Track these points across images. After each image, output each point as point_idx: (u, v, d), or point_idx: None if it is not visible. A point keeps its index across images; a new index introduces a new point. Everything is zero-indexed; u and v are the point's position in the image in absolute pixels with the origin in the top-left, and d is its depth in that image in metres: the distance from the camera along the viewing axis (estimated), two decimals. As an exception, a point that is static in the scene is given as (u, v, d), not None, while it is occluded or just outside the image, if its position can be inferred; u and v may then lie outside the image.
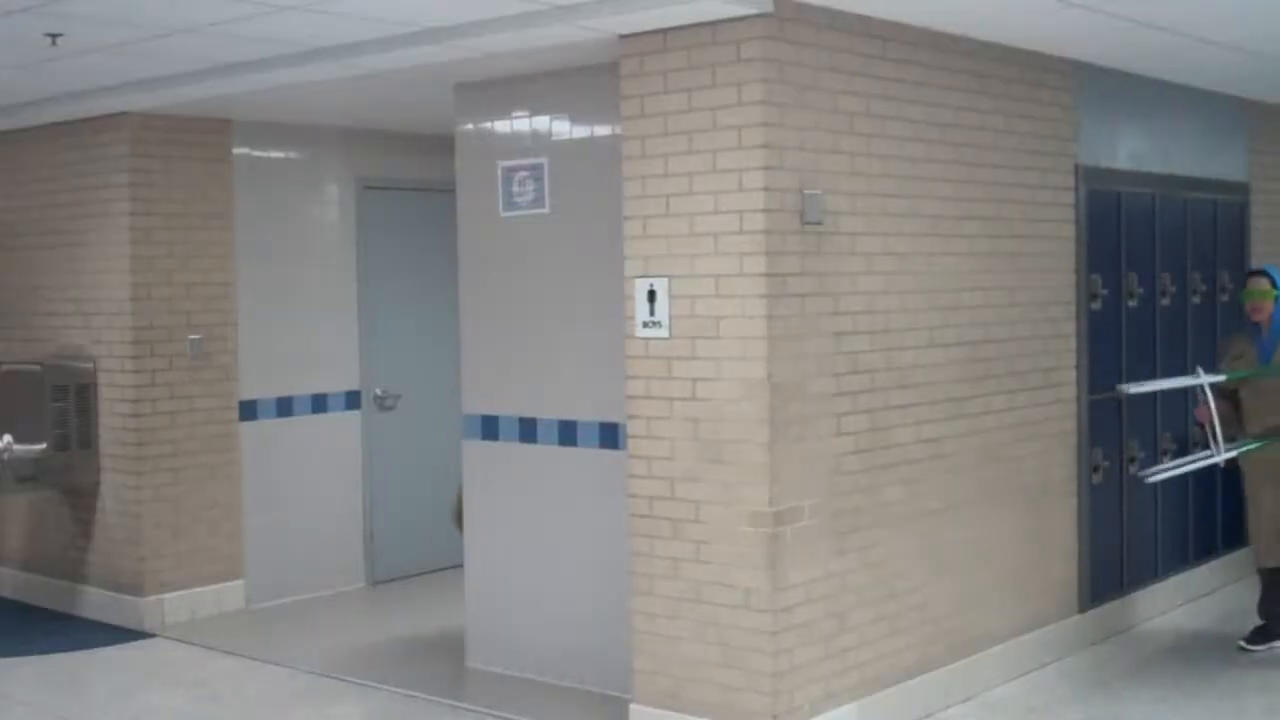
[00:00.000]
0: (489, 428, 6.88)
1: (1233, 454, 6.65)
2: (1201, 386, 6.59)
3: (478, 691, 6.66)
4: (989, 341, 6.51)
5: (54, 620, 8.11)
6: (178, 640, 7.65)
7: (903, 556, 6.04)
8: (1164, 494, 7.84)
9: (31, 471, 7.86)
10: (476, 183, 6.87)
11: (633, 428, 5.82)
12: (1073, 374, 7.08)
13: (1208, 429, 6.56)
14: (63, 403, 7.93)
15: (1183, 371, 8.03)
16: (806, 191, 5.50)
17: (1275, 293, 7.00)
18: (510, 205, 6.73)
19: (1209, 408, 6.50)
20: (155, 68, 6.73)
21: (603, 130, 6.40)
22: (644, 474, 5.77)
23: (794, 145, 5.47)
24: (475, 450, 6.95)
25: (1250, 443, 6.79)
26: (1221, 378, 6.75)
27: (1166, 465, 6.96)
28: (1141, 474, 6.97)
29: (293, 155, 8.61)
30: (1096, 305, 7.26)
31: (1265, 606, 7.10)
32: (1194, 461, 6.70)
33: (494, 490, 6.89)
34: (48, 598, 8.40)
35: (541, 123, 6.65)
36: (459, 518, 7.10)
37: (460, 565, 7.18)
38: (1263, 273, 7.13)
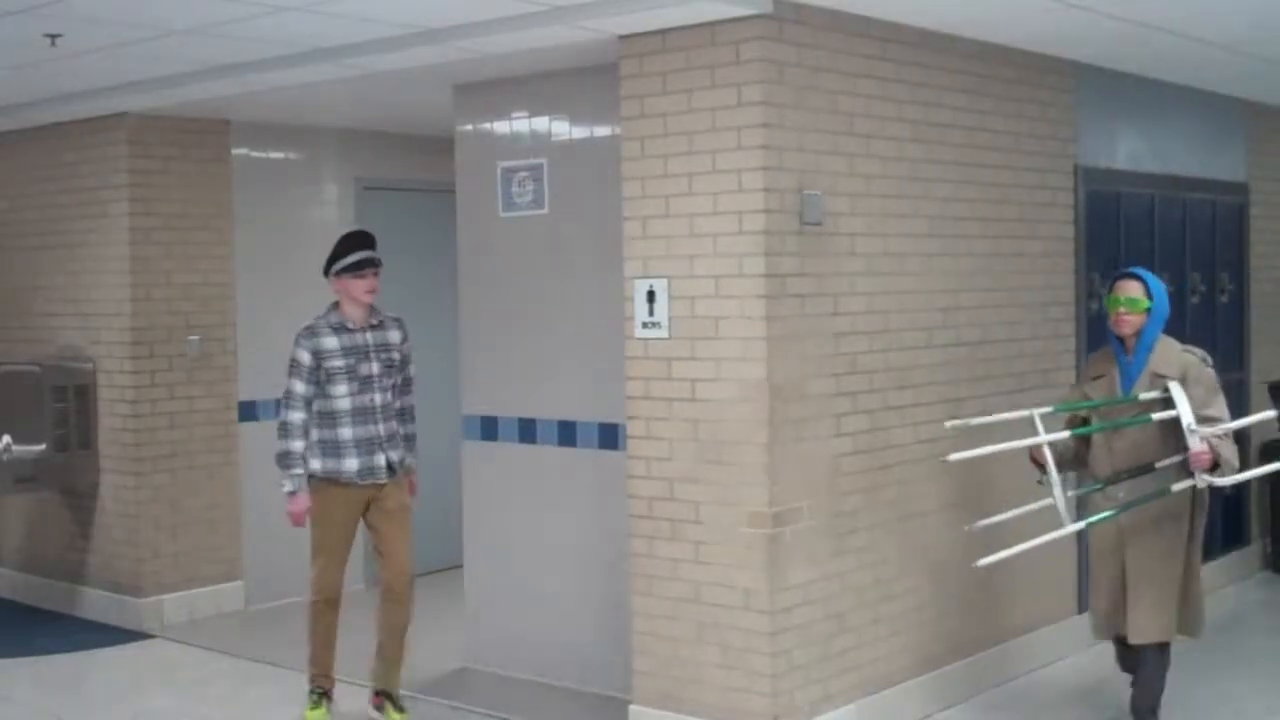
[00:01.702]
0: (488, 428, 6.88)
1: (1080, 526, 5.58)
2: (1034, 422, 5.50)
3: (478, 691, 6.66)
4: (988, 342, 6.51)
5: (53, 621, 8.11)
6: (176, 641, 7.65)
7: (902, 557, 6.04)
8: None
9: (31, 472, 7.85)
10: (476, 183, 6.87)
11: (632, 428, 5.82)
12: (1072, 375, 7.07)
13: (1048, 476, 5.45)
14: (62, 403, 7.92)
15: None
16: (806, 192, 5.50)
17: (1148, 303, 5.60)
18: (510, 206, 6.73)
19: (1043, 449, 5.45)
20: (154, 68, 6.73)
21: (602, 131, 6.40)
22: (643, 474, 5.77)
23: (793, 146, 5.47)
24: (475, 451, 6.95)
25: (1107, 510, 5.59)
26: (1049, 408, 5.68)
27: (1002, 527, 5.78)
28: (977, 562, 5.63)
29: (292, 156, 8.61)
30: (1096, 306, 7.26)
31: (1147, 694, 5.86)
32: (1038, 540, 5.51)
33: (494, 491, 6.89)
34: (47, 598, 8.39)
35: (541, 123, 6.65)
36: None
37: (460, 565, 7.18)
38: (1136, 276, 5.71)
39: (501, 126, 6.80)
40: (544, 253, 6.66)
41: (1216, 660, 7.00)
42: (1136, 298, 5.61)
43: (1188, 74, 7.56)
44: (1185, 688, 6.54)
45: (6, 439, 7.75)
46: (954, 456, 5.51)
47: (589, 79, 6.31)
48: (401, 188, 9.01)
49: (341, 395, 6.14)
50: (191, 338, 8.02)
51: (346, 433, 6.12)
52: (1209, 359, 5.61)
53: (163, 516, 7.95)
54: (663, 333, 5.69)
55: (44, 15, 5.49)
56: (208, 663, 7.28)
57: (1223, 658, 7.06)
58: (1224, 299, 8.47)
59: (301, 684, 6.84)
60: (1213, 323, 8.36)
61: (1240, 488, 8.68)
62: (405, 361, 6.34)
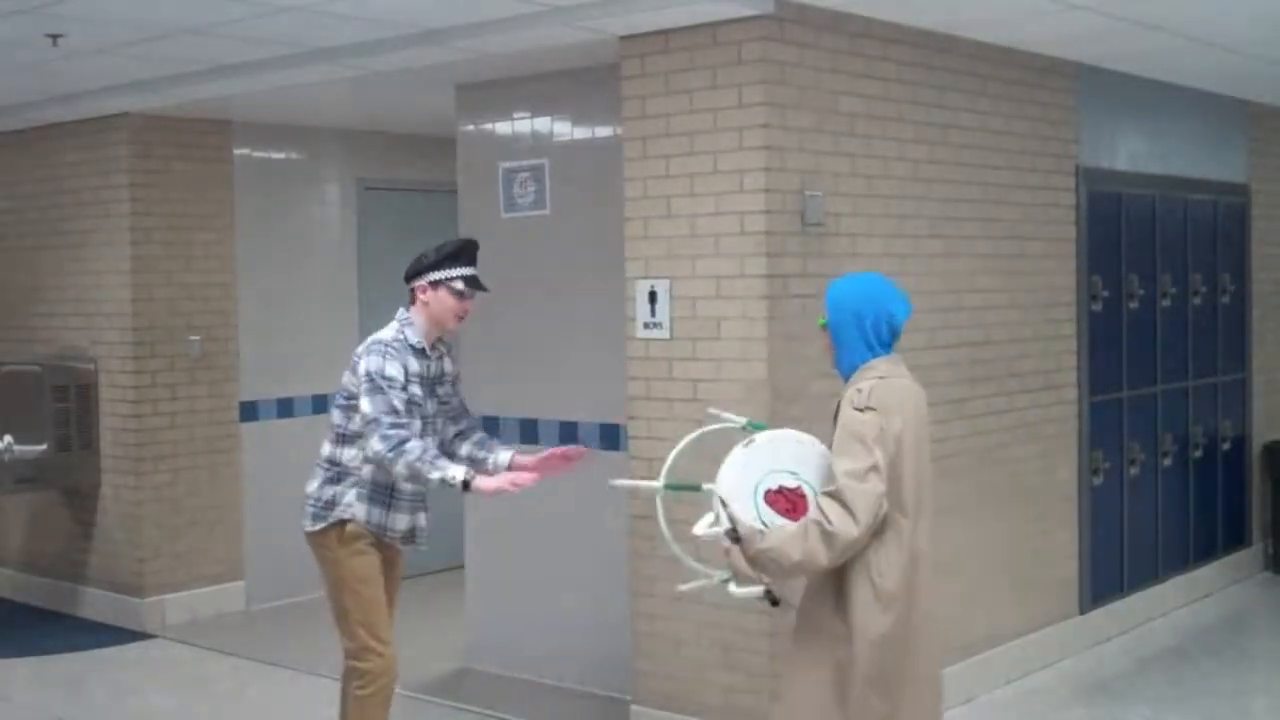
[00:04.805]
0: (489, 428, 6.86)
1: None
2: (714, 497, 4.04)
3: (478, 691, 6.66)
4: (989, 343, 6.51)
5: (54, 621, 8.11)
6: (177, 641, 7.64)
7: (903, 558, 6.03)
8: (1164, 495, 7.84)
9: (32, 472, 7.85)
10: (477, 184, 6.87)
11: (633, 429, 5.82)
12: (1073, 375, 7.07)
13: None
14: (63, 403, 7.92)
15: (1182, 373, 8.06)
16: (807, 193, 5.50)
17: (822, 320, 4.11)
18: (511, 206, 6.73)
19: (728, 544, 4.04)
20: (156, 69, 6.73)
21: (604, 131, 6.40)
22: (644, 475, 5.76)
23: (795, 146, 5.47)
24: (476, 451, 6.94)
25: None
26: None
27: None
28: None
29: (293, 156, 8.61)
30: (1097, 306, 7.26)
31: None
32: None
33: (494, 491, 6.87)
34: (48, 598, 8.39)
35: (542, 124, 6.65)
36: None
37: (460, 565, 7.18)
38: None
39: (503, 127, 6.80)
40: (545, 253, 6.66)
41: (1218, 660, 7.00)
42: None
43: (1189, 75, 7.56)
44: (1187, 688, 6.55)
45: (8, 439, 7.75)
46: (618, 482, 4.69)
47: (590, 79, 6.31)
48: (403, 188, 9.01)
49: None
50: (192, 338, 8.02)
51: (406, 483, 4.92)
52: (868, 394, 3.98)
53: (164, 517, 7.95)
54: (664, 333, 5.68)
55: (45, 15, 5.49)
56: (208, 663, 7.27)
57: (1224, 658, 7.06)
58: (1225, 300, 8.47)
59: (300, 684, 6.84)
60: (1214, 323, 8.36)
61: (1241, 487, 8.72)
62: (455, 387, 5.29)
